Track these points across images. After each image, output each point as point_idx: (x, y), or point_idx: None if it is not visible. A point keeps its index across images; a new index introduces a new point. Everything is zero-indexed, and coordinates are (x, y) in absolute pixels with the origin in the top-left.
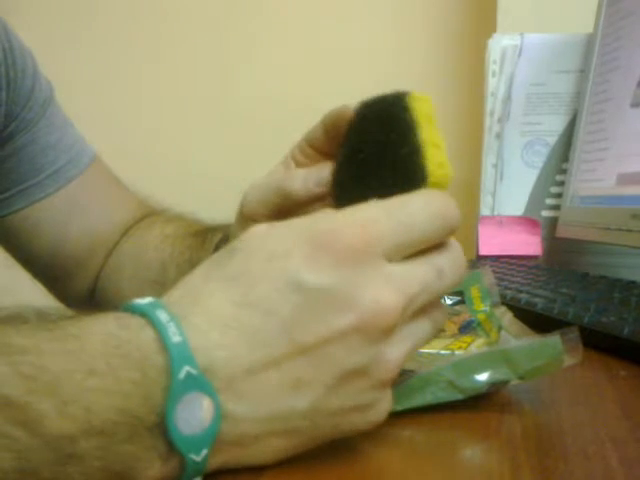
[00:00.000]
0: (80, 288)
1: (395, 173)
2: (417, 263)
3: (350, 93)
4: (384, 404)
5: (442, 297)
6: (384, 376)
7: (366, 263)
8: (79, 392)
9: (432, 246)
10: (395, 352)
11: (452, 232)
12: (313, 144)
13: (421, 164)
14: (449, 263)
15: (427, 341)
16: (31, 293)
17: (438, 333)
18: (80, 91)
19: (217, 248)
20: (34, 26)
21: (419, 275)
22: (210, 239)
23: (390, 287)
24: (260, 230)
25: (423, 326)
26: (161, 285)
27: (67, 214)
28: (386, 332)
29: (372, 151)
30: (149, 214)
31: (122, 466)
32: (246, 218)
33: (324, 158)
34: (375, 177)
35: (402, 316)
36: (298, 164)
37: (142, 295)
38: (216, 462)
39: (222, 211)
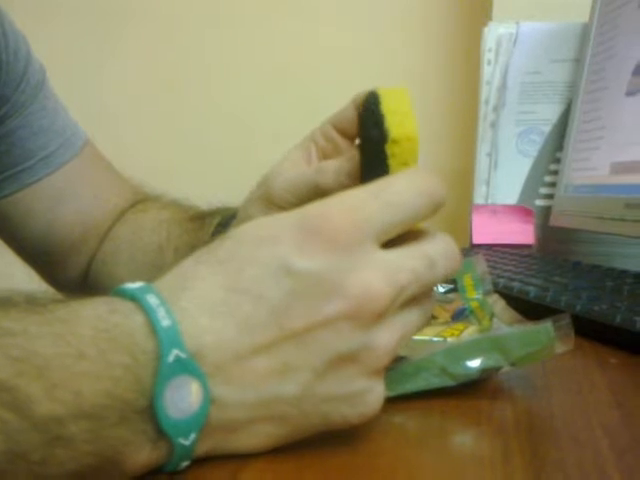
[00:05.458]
0: (73, 273)
1: (374, 154)
2: (409, 252)
3: (346, 83)
4: (375, 395)
5: (434, 286)
6: (374, 363)
7: (356, 248)
8: (68, 376)
9: (424, 236)
10: (385, 339)
11: (439, 207)
12: (342, 126)
13: (382, 129)
14: (441, 254)
15: (417, 330)
16: (25, 279)
17: (427, 322)
18: (82, 76)
19: (216, 231)
20: (32, 18)
21: (410, 264)
22: (209, 222)
23: (380, 274)
24: (253, 220)
25: (414, 315)
26: (158, 269)
27: (59, 198)
28: (375, 318)
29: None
30: (143, 199)
31: (111, 450)
32: (274, 205)
33: (349, 141)
34: (368, 164)
35: (392, 303)
36: (320, 148)
37: (139, 279)
38: (204, 447)
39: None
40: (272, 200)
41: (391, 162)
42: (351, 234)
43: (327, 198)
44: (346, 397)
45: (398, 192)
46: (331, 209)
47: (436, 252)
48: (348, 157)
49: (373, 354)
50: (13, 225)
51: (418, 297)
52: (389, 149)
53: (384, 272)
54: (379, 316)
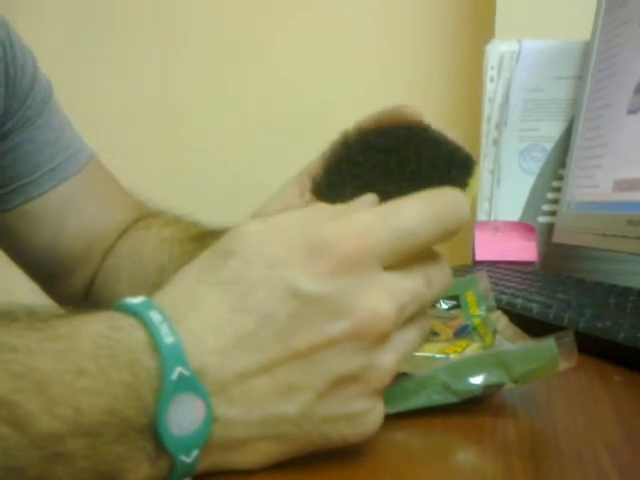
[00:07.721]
0: (76, 287)
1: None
2: (410, 272)
3: (348, 99)
4: (374, 415)
5: (431, 305)
6: (375, 383)
7: (362, 271)
8: (68, 392)
9: (424, 256)
10: (387, 359)
11: (452, 234)
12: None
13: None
14: (437, 273)
15: (416, 348)
16: (27, 293)
17: (425, 340)
18: (84, 86)
19: None
20: (36, 26)
21: (410, 284)
22: (209, 244)
23: (386, 295)
24: (254, 231)
25: (412, 334)
26: (159, 288)
27: (63, 211)
28: (380, 339)
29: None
30: (146, 216)
31: (110, 467)
32: None
33: None
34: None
35: (395, 324)
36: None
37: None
38: (205, 464)
39: (225, 212)
40: None
41: None
42: (357, 260)
43: (337, 219)
44: (346, 417)
45: (408, 217)
46: (340, 233)
47: (432, 269)
48: None
49: (375, 375)
50: (18, 237)
51: (415, 315)
52: None
53: (389, 294)
54: (383, 337)
